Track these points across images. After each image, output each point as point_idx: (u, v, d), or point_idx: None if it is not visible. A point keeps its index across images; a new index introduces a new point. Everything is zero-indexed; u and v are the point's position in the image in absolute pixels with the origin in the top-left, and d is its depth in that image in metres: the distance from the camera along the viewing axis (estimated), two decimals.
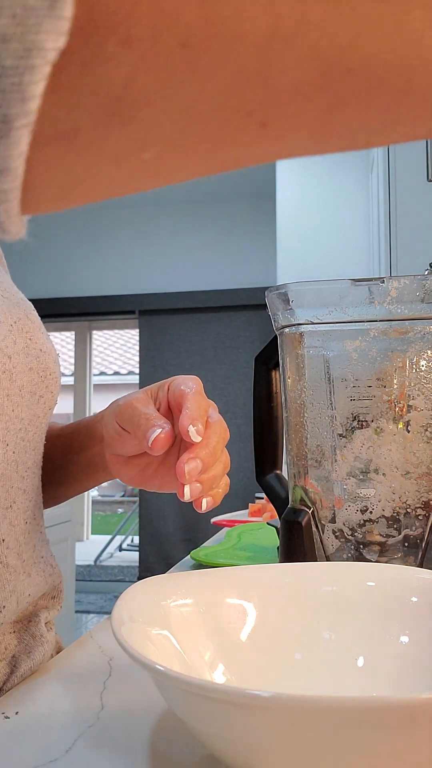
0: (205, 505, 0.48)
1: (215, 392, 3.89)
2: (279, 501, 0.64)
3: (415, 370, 0.54)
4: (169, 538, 3.84)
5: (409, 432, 0.54)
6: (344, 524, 0.55)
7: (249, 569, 0.43)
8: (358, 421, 0.55)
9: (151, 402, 0.52)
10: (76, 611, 3.18)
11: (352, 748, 0.25)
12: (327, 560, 0.55)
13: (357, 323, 0.54)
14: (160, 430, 0.47)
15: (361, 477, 0.55)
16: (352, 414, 0.55)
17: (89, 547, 5.10)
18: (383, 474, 0.54)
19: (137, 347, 4.47)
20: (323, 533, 0.56)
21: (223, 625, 0.39)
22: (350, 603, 0.41)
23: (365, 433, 0.54)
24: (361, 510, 0.54)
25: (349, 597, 0.41)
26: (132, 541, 5.37)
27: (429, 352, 0.54)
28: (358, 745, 0.25)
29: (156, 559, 3.79)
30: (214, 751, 0.30)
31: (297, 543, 0.55)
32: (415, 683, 0.36)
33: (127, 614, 0.34)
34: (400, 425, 0.54)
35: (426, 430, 0.54)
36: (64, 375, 0.72)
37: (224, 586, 0.41)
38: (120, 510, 8.26)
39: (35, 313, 0.57)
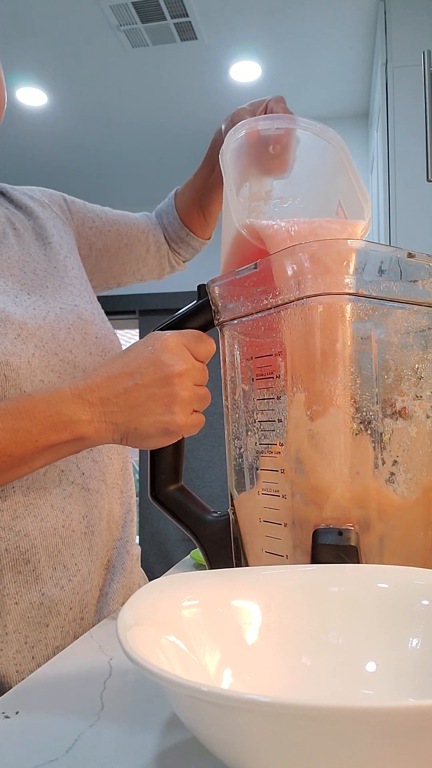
0: None
1: (215, 392, 3.87)
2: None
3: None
4: (170, 538, 3.83)
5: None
6: None
7: (256, 570, 0.42)
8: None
9: None
10: None
11: (357, 754, 0.24)
12: None
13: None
14: None
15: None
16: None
17: None
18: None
19: None
20: None
21: (230, 628, 0.38)
22: (359, 605, 0.40)
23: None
24: None
25: (358, 599, 0.40)
26: None
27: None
28: (365, 752, 0.24)
29: (156, 559, 3.78)
30: (214, 752, 0.30)
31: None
32: (427, 688, 0.36)
33: (132, 618, 0.33)
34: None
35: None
36: None
37: (231, 589, 0.40)
38: None
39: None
